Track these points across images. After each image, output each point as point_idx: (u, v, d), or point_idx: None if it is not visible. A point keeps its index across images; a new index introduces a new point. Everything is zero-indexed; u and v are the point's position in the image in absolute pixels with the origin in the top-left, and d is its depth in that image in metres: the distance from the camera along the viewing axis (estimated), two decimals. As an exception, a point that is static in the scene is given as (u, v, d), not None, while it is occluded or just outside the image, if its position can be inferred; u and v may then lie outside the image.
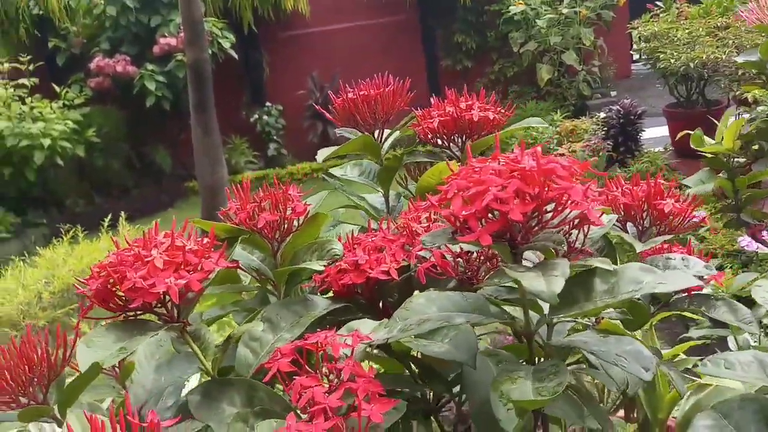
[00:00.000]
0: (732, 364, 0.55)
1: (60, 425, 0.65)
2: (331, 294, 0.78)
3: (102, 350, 0.55)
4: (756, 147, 1.04)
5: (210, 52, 6.15)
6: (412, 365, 0.77)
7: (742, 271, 2.52)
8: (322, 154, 0.84)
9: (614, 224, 0.76)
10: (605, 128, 4.64)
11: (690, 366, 0.78)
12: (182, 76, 6.27)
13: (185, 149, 6.83)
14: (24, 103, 5.60)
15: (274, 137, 7.28)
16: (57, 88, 6.01)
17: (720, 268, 2.58)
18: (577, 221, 0.57)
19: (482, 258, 0.71)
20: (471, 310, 0.60)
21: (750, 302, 0.85)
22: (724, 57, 3.41)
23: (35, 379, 0.62)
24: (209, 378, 0.65)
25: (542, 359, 0.64)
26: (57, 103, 5.86)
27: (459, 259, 0.71)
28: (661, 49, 3.87)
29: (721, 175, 1.12)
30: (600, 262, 0.57)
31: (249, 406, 0.63)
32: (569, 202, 0.51)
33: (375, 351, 0.77)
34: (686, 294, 0.79)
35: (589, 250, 0.69)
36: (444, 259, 0.71)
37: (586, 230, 0.61)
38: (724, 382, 1.02)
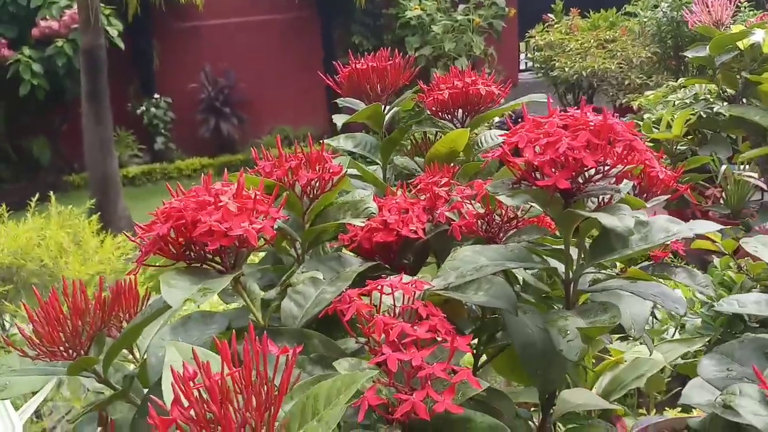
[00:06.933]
0: (744, 304, 0.63)
1: (100, 379, 0.64)
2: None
3: (184, 291, 0.54)
4: (699, 135, 1.17)
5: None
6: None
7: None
8: (339, 119, 0.86)
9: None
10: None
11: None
12: (62, 64, 5.91)
13: (66, 141, 6.43)
14: None
15: (162, 130, 7.02)
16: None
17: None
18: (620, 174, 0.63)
19: (505, 219, 0.76)
20: (518, 259, 0.65)
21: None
22: (612, 67, 3.69)
23: (87, 331, 0.60)
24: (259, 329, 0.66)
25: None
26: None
27: (482, 220, 0.76)
28: (555, 58, 4.12)
29: (663, 159, 1.24)
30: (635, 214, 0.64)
31: (303, 354, 0.64)
32: (631, 153, 0.57)
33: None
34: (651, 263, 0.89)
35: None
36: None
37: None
38: (641, 356, 1.13)
